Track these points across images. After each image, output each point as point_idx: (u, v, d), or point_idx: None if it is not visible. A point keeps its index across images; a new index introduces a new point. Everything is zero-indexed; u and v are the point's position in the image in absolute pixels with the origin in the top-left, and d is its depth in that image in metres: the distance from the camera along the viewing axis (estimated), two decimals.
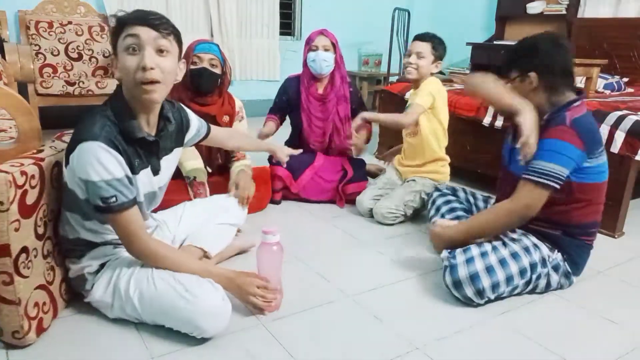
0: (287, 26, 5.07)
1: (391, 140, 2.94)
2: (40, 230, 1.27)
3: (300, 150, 2.10)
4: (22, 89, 3.07)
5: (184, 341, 1.30)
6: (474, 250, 1.56)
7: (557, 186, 1.50)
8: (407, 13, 5.20)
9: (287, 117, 2.61)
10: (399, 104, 2.97)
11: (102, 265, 1.38)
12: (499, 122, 2.51)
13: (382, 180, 2.42)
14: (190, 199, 1.97)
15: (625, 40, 3.78)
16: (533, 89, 1.59)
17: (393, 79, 4.70)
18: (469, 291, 1.51)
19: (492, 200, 1.96)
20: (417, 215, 2.33)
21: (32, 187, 1.21)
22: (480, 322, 1.48)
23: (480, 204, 2.01)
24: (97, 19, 3.55)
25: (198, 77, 2.00)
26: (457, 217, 1.89)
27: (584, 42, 4.07)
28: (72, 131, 1.29)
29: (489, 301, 1.55)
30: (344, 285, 1.66)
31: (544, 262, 1.60)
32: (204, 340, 1.31)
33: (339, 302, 1.57)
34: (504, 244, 1.61)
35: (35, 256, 1.24)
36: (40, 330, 1.28)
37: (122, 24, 1.22)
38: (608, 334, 1.46)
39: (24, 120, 1.41)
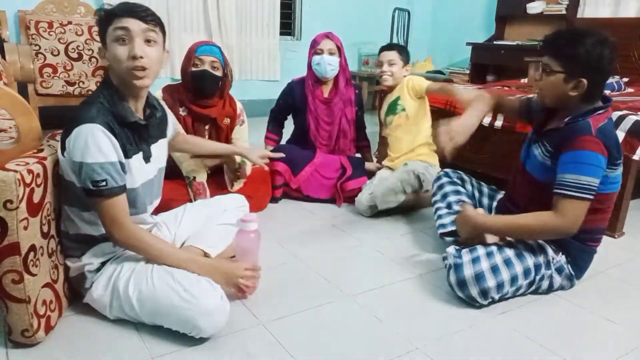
0: (287, 26, 5.07)
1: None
2: (45, 229, 1.28)
3: (283, 155, 2.09)
4: (22, 89, 3.07)
5: (184, 341, 1.31)
6: (480, 249, 1.56)
7: (593, 198, 1.48)
8: (407, 13, 5.20)
9: (289, 117, 2.62)
10: None
11: (102, 264, 1.39)
12: (499, 122, 2.52)
13: (377, 178, 2.44)
14: (190, 199, 1.97)
15: (625, 40, 3.77)
16: (573, 93, 1.53)
17: None
18: (474, 291, 1.50)
19: (499, 196, 1.96)
20: (416, 211, 2.33)
21: (38, 186, 1.22)
22: (480, 322, 1.48)
23: (485, 200, 1.99)
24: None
25: (199, 79, 2.00)
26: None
27: None
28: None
29: (493, 302, 1.55)
30: (344, 285, 1.66)
31: (548, 263, 1.60)
32: (203, 340, 1.31)
33: (339, 302, 1.57)
34: (509, 244, 1.61)
35: (41, 254, 1.25)
36: (49, 328, 1.29)
37: (111, 16, 1.29)
38: (608, 334, 1.46)
39: (24, 120, 1.41)
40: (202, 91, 2.03)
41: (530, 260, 1.57)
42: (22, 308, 1.19)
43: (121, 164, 1.30)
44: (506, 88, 3.14)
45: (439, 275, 1.74)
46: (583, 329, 1.49)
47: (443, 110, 2.79)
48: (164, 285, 1.29)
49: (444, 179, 2.04)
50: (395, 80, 2.49)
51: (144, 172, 1.42)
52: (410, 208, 2.39)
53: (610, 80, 3.39)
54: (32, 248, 1.20)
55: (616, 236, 2.18)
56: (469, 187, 2.04)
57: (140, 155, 1.39)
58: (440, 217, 1.93)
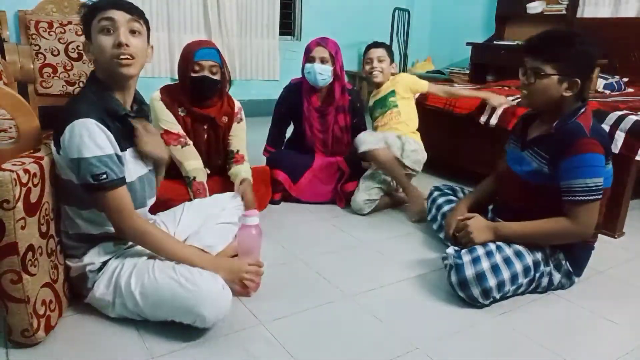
0: (287, 26, 5.07)
1: None
2: (44, 229, 1.27)
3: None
4: (22, 89, 3.08)
5: (184, 341, 1.31)
6: (480, 249, 1.56)
7: (602, 197, 1.52)
8: (407, 13, 5.20)
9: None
10: None
11: (103, 264, 1.39)
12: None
13: (367, 173, 2.44)
14: (190, 199, 1.97)
15: (625, 40, 3.78)
16: (568, 94, 1.54)
17: None
18: (475, 291, 1.50)
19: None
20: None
21: (35, 185, 1.22)
22: (481, 322, 1.48)
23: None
24: None
25: (200, 85, 2.00)
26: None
27: None
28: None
29: (494, 301, 1.55)
30: (344, 285, 1.66)
31: (546, 260, 1.61)
32: (203, 339, 1.31)
33: (339, 302, 1.57)
34: (508, 242, 1.61)
35: (40, 254, 1.25)
36: (49, 328, 1.29)
37: (95, 9, 1.31)
38: (608, 334, 1.46)
39: (24, 120, 1.41)
40: (202, 96, 2.03)
41: (529, 258, 1.57)
42: (21, 308, 1.19)
43: (118, 156, 1.30)
44: (506, 88, 3.14)
45: (439, 275, 1.74)
46: (583, 329, 1.49)
47: (442, 110, 2.79)
48: (166, 277, 1.30)
49: (435, 193, 2.11)
50: (385, 77, 2.53)
51: (139, 165, 1.43)
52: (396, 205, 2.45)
53: (610, 80, 3.40)
54: (31, 248, 1.20)
55: (616, 236, 2.18)
56: (460, 195, 2.07)
57: (132, 149, 1.40)
58: (440, 228, 1.99)
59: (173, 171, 1.99)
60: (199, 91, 2.01)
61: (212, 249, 1.62)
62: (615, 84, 3.38)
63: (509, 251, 1.57)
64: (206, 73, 1.98)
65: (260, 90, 4.72)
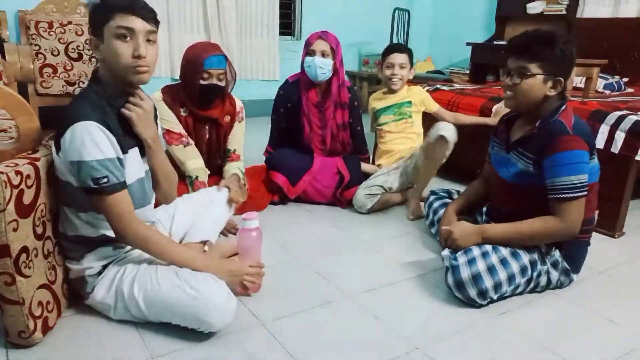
0: (287, 26, 5.07)
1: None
2: (40, 230, 1.27)
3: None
4: (22, 89, 3.07)
5: (184, 341, 1.31)
6: (475, 250, 1.56)
7: (587, 193, 1.53)
8: (407, 13, 5.19)
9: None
10: None
11: (103, 268, 1.38)
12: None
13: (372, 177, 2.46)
14: None
15: (625, 40, 3.78)
16: (552, 93, 1.56)
17: None
18: (472, 292, 1.51)
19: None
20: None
21: (28, 187, 1.21)
22: (480, 322, 1.48)
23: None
24: None
25: (207, 92, 2.01)
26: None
27: (584, 42, 4.06)
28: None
29: (492, 301, 1.56)
30: (344, 285, 1.66)
31: (543, 259, 1.61)
32: (204, 339, 1.31)
33: (339, 302, 1.57)
34: (496, 245, 1.61)
35: (35, 256, 1.24)
36: (46, 329, 1.28)
37: (113, 10, 1.25)
38: (608, 334, 1.46)
39: (24, 120, 1.41)
40: (209, 102, 2.04)
41: (525, 258, 1.57)
42: (16, 310, 1.18)
43: (119, 159, 1.29)
44: None
45: (438, 275, 1.74)
46: (583, 329, 1.49)
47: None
48: (170, 284, 1.29)
49: (431, 198, 2.12)
50: (403, 84, 2.53)
51: (139, 166, 1.42)
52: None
53: (610, 80, 3.40)
54: (24, 250, 1.19)
55: (616, 236, 2.18)
56: (455, 196, 2.07)
57: (136, 149, 1.39)
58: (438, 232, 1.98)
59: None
60: (206, 98, 2.03)
61: (209, 238, 1.65)
62: (615, 84, 3.38)
63: (505, 252, 1.57)
64: (214, 81, 1.99)
65: (260, 90, 4.71)
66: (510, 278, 1.54)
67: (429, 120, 2.60)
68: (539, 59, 1.53)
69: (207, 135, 2.12)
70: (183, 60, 2.03)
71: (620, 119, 2.13)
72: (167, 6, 4.20)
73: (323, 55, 2.31)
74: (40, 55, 3.31)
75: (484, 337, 1.42)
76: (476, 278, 1.50)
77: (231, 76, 2.09)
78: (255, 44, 4.74)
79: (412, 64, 2.53)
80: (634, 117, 2.12)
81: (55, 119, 1.31)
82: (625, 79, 3.60)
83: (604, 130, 2.13)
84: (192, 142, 2.06)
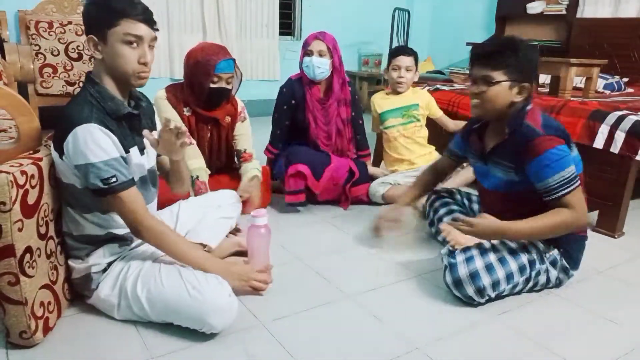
0: (287, 26, 5.07)
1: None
2: (42, 230, 1.27)
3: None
4: (22, 89, 3.08)
5: (184, 341, 1.31)
6: (474, 249, 1.57)
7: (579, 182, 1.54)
8: (407, 13, 5.19)
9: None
10: None
11: (108, 264, 1.39)
12: None
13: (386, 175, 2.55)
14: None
15: (625, 40, 3.78)
16: (518, 99, 1.56)
17: None
18: (470, 290, 1.51)
19: None
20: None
21: (33, 187, 1.21)
22: (480, 322, 1.48)
23: (475, 206, 2.02)
24: None
25: (216, 95, 2.02)
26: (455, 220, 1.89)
27: (583, 42, 4.07)
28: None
29: (490, 300, 1.56)
30: (344, 285, 1.66)
31: (541, 258, 1.61)
32: (204, 339, 1.31)
33: (339, 302, 1.57)
34: (502, 242, 1.61)
35: (39, 256, 1.25)
36: (47, 329, 1.29)
37: (120, 16, 1.25)
38: (608, 334, 1.46)
39: (24, 120, 1.41)
40: (216, 104, 2.05)
41: (524, 257, 1.57)
42: (19, 310, 1.19)
43: (123, 158, 1.31)
44: None
45: (438, 275, 1.74)
46: (583, 328, 1.49)
47: (445, 111, 2.78)
48: (173, 284, 1.30)
49: (432, 197, 2.11)
50: (408, 87, 2.56)
51: (140, 165, 1.43)
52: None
53: (610, 80, 3.40)
54: (28, 250, 1.19)
55: (616, 236, 2.18)
56: (457, 197, 2.07)
57: (135, 148, 1.40)
58: (438, 232, 1.97)
59: None
60: (215, 100, 2.04)
61: (210, 242, 1.64)
62: (615, 84, 3.38)
63: (504, 251, 1.57)
64: (224, 84, 2.01)
65: (260, 90, 4.71)
66: (509, 276, 1.54)
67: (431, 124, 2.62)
68: (503, 67, 1.53)
69: (209, 135, 2.13)
70: (190, 60, 2.02)
71: (620, 119, 2.13)
72: (167, 6, 4.19)
73: (320, 55, 2.32)
74: (40, 55, 3.31)
75: (484, 337, 1.42)
76: (473, 276, 1.50)
77: (237, 78, 2.11)
78: (255, 44, 4.74)
79: (417, 67, 2.55)
80: (634, 117, 2.12)
81: (55, 119, 1.31)
82: (625, 79, 3.60)
83: (604, 130, 2.13)
84: (194, 141, 2.06)
